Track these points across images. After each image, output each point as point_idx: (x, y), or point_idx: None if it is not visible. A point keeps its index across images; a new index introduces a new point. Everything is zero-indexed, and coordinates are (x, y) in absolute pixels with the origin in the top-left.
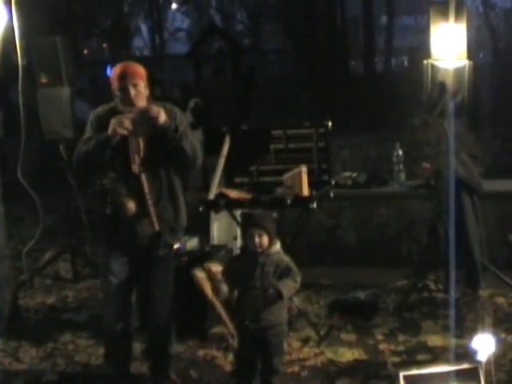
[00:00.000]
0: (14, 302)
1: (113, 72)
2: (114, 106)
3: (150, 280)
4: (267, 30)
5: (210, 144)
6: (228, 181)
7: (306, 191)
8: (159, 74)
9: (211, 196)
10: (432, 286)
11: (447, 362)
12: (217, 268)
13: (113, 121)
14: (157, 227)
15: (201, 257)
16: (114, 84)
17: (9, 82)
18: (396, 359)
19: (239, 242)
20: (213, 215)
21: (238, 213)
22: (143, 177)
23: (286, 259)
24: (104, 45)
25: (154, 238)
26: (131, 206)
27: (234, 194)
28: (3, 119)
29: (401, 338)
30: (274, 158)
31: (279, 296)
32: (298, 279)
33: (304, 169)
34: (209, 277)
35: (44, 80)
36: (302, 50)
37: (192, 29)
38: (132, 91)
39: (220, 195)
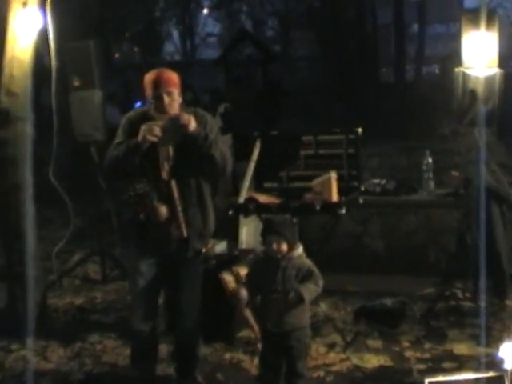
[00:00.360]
0: (43, 302)
1: (147, 78)
2: (146, 111)
3: (178, 283)
4: (298, 36)
5: (240, 149)
6: (258, 186)
7: (335, 197)
8: (190, 79)
9: (241, 200)
10: (459, 294)
11: (473, 370)
12: (245, 272)
13: (143, 128)
14: (185, 233)
15: (229, 260)
16: (148, 91)
17: (41, 86)
18: (422, 366)
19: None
20: (242, 219)
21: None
22: (173, 183)
23: (308, 263)
24: (135, 49)
25: (183, 242)
26: (163, 210)
27: (263, 198)
28: (36, 122)
29: (427, 345)
30: (304, 163)
31: (301, 299)
32: (320, 283)
33: (334, 175)
34: (237, 280)
35: (76, 83)
36: (332, 58)
37: (223, 34)
38: (166, 99)
39: (249, 200)
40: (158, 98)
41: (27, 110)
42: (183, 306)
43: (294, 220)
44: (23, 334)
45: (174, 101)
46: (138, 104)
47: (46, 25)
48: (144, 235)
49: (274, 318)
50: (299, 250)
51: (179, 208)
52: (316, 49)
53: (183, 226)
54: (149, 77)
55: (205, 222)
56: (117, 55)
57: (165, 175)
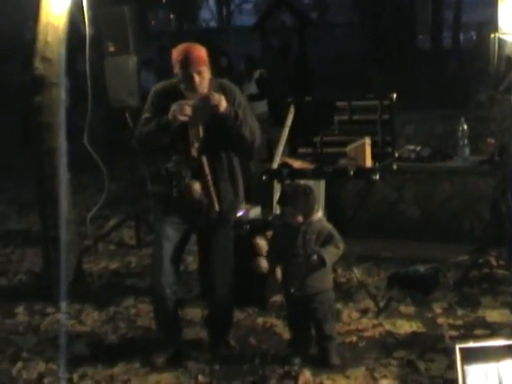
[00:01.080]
0: (78, 267)
1: (176, 54)
2: (175, 84)
3: (211, 250)
4: (334, 3)
5: (275, 115)
6: (292, 151)
7: (369, 163)
8: (226, 46)
9: (275, 166)
10: (493, 262)
11: (505, 337)
12: None
13: (174, 106)
14: (217, 208)
15: (263, 226)
16: (177, 69)
17: (77, 52)
18: (454, 333)
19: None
20: (276, 185)
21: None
22: (203, 159)
23: (328, 226)
24: (171, 16)
25: (215, 215)
26: (197, 187)
27: (297, 164)
28: (71, 88)
29: (459, 312)
30: (338, 129)
31: (322, 262)
32: (341, 246)
33: (368, 140)
34: None
35: (111, 49)
36: (369, 24)
37: (259, 1)
38: (197, 78)
39: (283, 165)
40: (189, 78)
41: (62, 76)
42: (216, 272)
43: (311, 188)
44: (58, 298)
45: (204, 79)
46: None
47: None
48: (176, 209)
49: (297, 282)
50: (319, 214)
51: (211, 183)
52: (353, 15)
53: (215, 200)
54: (177, 54)
55: (236, 195)
56: (153, 22)
57: (194, 152)
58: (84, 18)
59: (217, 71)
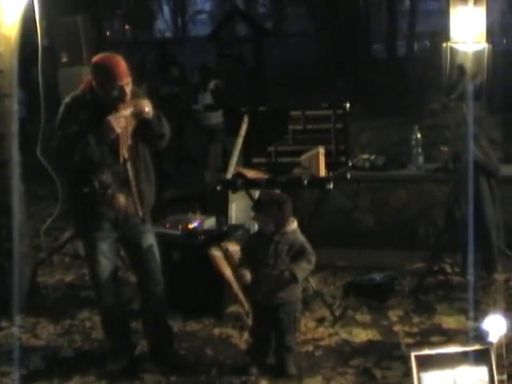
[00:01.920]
0: (32, 279)
1: (102, 68)
2: (89, 96)
3: (138, 255)
4: (290, 13)
5: (230, 125)
6: (246, 161)
7: (323, 172)
8: (181, 56)
9: (229, 176)
10: (448, 269)
11: (461, 344)
12: (234, 247)
13: (111, 120)
14: (140, 213)
15: (218, 236)
16: (105, 81)
17: (30, 63)
18: (410, 340)
19: None
20: (231, 195)
21: (255, 193)
22: (128, 166)
23: (301, 239)
24: (126, 27)
25: (137, 217)
26: (122, 199)
27: (251, 174)
28: (26, 99)
29: (415, 319)
30: (292, 138)
31: (294, 278)
32: (313, 260)
33: (321, 150)
34: (225, 256)
35: (65, 59)
36: (324, 33)
37: (214, 11)
38: (127, 89)
39: (237, 175)
40: (119, 90)
41: (14, 87)
42: (148, 278)
43: (286, 198)
44: (13, 312)
45: (129, 90)
46: None
47: (32, 0)
48: (104, 222)
49: (265, 292)
50: (293, 225)
51: (134, 189)
52: (309, 25)
53: (139, 206)
54: (106, 67)
55: (152, 193)
56: (108, 33)
57: (122, 160)
58: (36, 28)
59: (168, 81)
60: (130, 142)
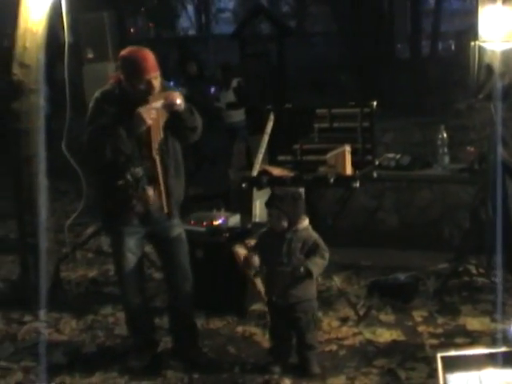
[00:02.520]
0: (56, 275)
1: (130, 62)
2: (119, 89)
3: (166, 252)
4: (313, 12)
5: (254, 123)
6: (271, 159)
7: (349, 170)
8: (204, 54)
9: (254, 173)
10: (473, 270)
11: (486, 345)
12: None
13: (141, 111)
14: (166, 209)
15: (242, 233)
16: (133, 75)
17: (56, 60)
18: (434, 341)
19: None
20: (255, 193)
21: None
22: (157, 160)
23: (314, 235)
24: (150, 24)
25: (164, 213)
26: (151, 193)
27: (276, 171)
28: (50, 96)
29: (440, 320)
30: (318, 136)
31: (309, 275)
32: (326, 255)
33: (348, 148)
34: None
35: (90, 56)
36: (347, 33)
37: (237, 10)
38: (155, 83)
39: (263, 172)
40: (147, 84)
41: (40, 83)
42: (174, 276)
43: (298, 194)
44: (36, 306)
45: (158, 83)
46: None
47: None
48: (133, 217)
49: (279, 291)
50: (305, 222)
51: (162, 183)
52: (332, 24)
53: (165, 202)
54: (133, 61)
55: (181, 189)
56: (132, 30)
57: (155, 155)
58: (63, 24)
59: (186, 76)
60: (161, 135)
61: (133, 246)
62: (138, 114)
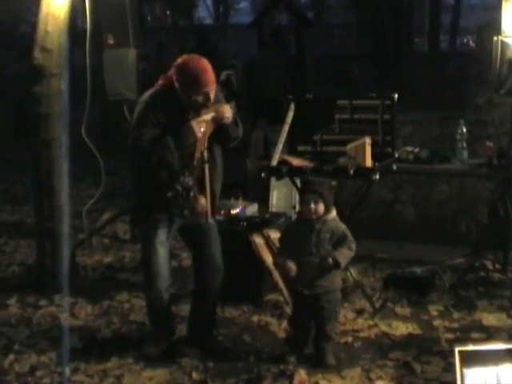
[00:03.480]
0: (72, 260)
1: (190, 72)
2: (170, 95)
3: (203, 247)
4: (332, 3)
5: (272, 113)
6: (291, 149)
7: (369, 162)
8: (222, 44)
9: (274, 162)
10: (489, 265)
11: (502, 341)
12: (275, 235)
13: (193, 125)
14: (210, 218)
15: (260, 223)
16: (193, 87)
17: (75, 46)
18: (450, 336)
19: (297, 210)
20: (273, 183)
21: (299, 181)
22: (206, 169)
23: (342, 226)
24: (167, 12)
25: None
26: (203, 202)
27: (296, 161)
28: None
29: (455, 315)
30: (339, 127)
31: (336, 265)
32: (353, 247)
33: (368, 140)
34: (267, 243)
35: (111, 41)
36: (366, 25)
37: (255, 0)
38: (212, 96)
39: (282, 162)
40: (205, 96)
41: (61, 67)
42: (210, 268)
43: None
44: (51, 291)
45: (214, 96)
46: None
47: None
48: (174, 216)
49: (307, 281)
50: (333, 213)
51: (208, 189)
52: (351, 16)
53: (209, 207)
54: (193, 72)
55: (219, 189)
56: (149, 17)
57: (199, 163)
58: (85, 9)
59: None
60: (206, 145)
61: (164, 240)
62: (189, 126)
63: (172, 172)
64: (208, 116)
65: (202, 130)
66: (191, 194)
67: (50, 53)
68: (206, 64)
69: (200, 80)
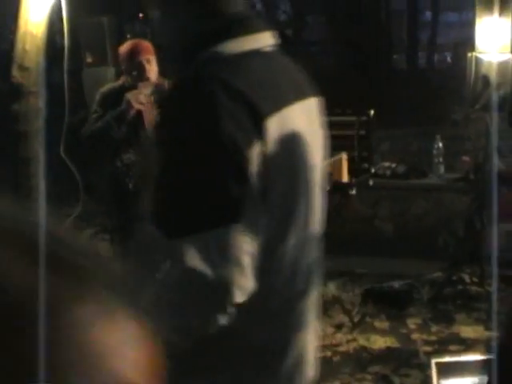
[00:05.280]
0: None
1: (123, 49)
2: (122, 84)
3: None
4: (311, 21)
5: None
6: None
7: (345, 178)
8: None
9: None
10: (467, 278)
11: (479, 353)
12: None
13: (129, 96)
14: None
15: None
16: (127, 61)
17: (52, 64)
18: (428, 349)
19: None
20: None
21: None
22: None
23: None
24: (148, 30)
25: None
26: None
27: None
28: (48, 100)
29: (434, 328)
30: None
31: None
32: None
33: (344, 156)
34: None
35: (90, 60)
36: (345, 42)
37: None
38: (147, 66)
39: None
40: (139, 66)
41: (39, 85)
42: None
43: None
44: None
45: (152, 68)
46: None
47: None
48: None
49: None
50: None
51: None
52: (329, 33)
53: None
54: (125, 48)
55: None
56: (129, 36)
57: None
58: (63, 27)
59: None
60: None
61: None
62: (125, 98)
63: (115, 148)
64: (147, 89)
65: (142, 101)
66: (135, 170)
67: (28, 71)
68: (139, 40)
69: (130, 51)
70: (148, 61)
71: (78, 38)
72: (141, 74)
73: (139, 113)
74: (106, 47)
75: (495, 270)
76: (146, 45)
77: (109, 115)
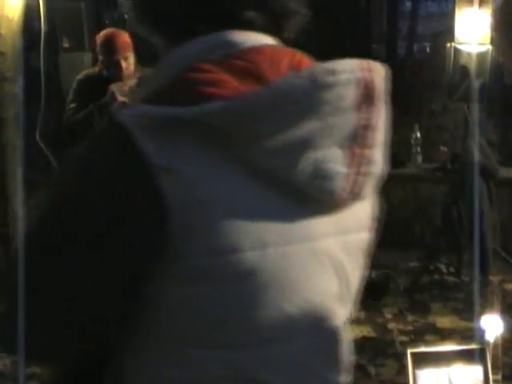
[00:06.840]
0: None
1: (101, 41)
2: (98, 72)
3: None
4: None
5: None
6: None
7: None
8: None
9: None
10: (443, 268)
11: (455, 343)
12: None
13: (113, 88)
14: None
15: None
16: (103, 56)
17: (30, 49)
18: (404, 338)
19: None
20: None
21: None
22: None
23: None
24: (126, 16)
25: None
26: None
27: None
28: (24, 85)
29: (410, 318)
30: None
31: None
32: None
33: None
34: None
35: (66, 45)
36: (324, 32)
37: None
38: (124, 64)
39: None
40: (116, 64)
41: (15, 70)
42: None
43: None
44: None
45: (130, 64)
46: None
47: None
48: None
49: None
50: None
51: None
52: (308, 23)
53: None
54: (102, 41)
55: None
56: (107, 22)
57: None
58: (40, 11)
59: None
60: None
61: None
62: (110, 90)
63: None
64: (132, 81)
65: (126, 93)
66: None
67: (4, 56)
68: (116, 32)
69: (107, 47)
70: (125, 58)
71: (55, 23)
72: (118, 72)
73: (123, 105)
74: (84, 33)
75: (477, 260)
76: (124, 39)
77: (92, 106)
